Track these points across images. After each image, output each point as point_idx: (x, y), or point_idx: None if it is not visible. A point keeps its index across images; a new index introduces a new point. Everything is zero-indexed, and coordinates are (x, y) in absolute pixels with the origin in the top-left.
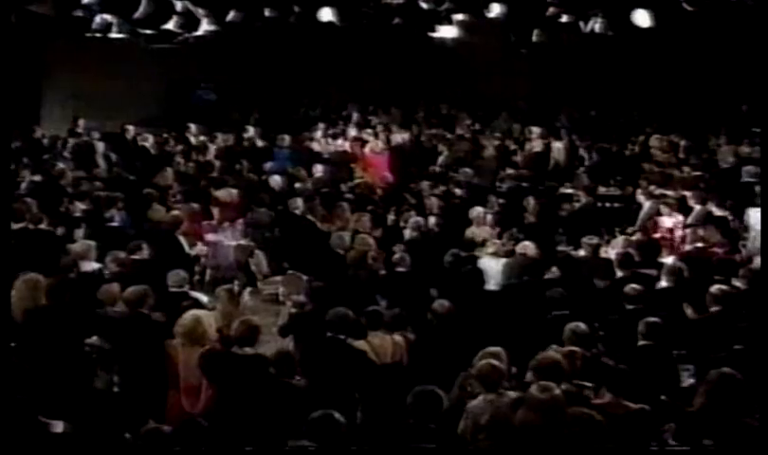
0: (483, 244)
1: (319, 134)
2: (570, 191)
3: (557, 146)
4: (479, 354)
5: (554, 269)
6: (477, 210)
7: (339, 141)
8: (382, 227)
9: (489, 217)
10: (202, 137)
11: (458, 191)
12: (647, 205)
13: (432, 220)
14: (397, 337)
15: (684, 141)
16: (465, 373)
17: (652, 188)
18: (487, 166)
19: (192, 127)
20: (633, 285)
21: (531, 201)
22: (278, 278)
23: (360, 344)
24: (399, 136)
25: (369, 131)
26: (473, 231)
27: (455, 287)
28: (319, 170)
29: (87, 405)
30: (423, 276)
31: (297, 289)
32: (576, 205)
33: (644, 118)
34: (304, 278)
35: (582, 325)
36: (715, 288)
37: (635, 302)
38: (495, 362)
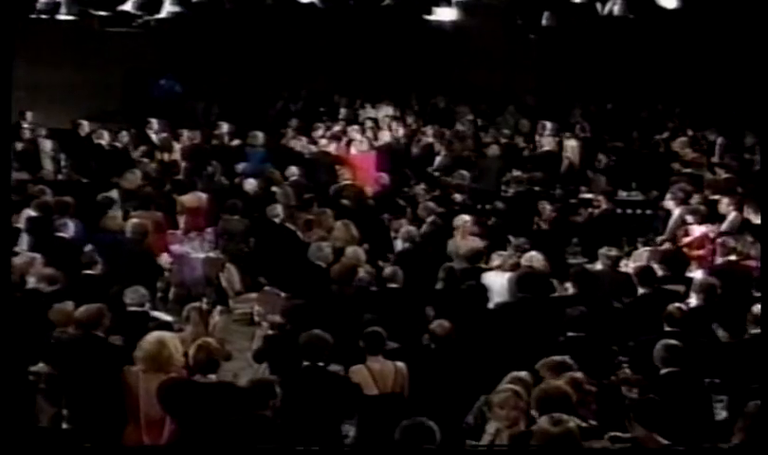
0: (474, 258)
1: (309, 132)
2: (588, 195)
3: (571, 144)
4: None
5: (567, 285)
6: (462, 219)
7: (323, 139)
8: (372, 238)
9: (476, 227)
10: (165, 134)
11: (458, 197)
12: (676, 212)
13: (428, 229)
14: (400, 364)
15: (717, 138)
16: (484, 397)
17: (681, 192)
18: (491, 167)
19: (154, 123)
20: (678, 305)
21: (546, 207)
22: (252, 295)
23: (358, 370)
24: (390, 134)
25: (355, 127)
26: (456, 244)
27: (454, 306)
28: (297, 172)
29: (30, 444)
30: (418, 293)
31: (274, 308)
32: (596, 211)
33: (669, 112)
34: (283, 295)
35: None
36: (755, 308)
37: (676, 324)
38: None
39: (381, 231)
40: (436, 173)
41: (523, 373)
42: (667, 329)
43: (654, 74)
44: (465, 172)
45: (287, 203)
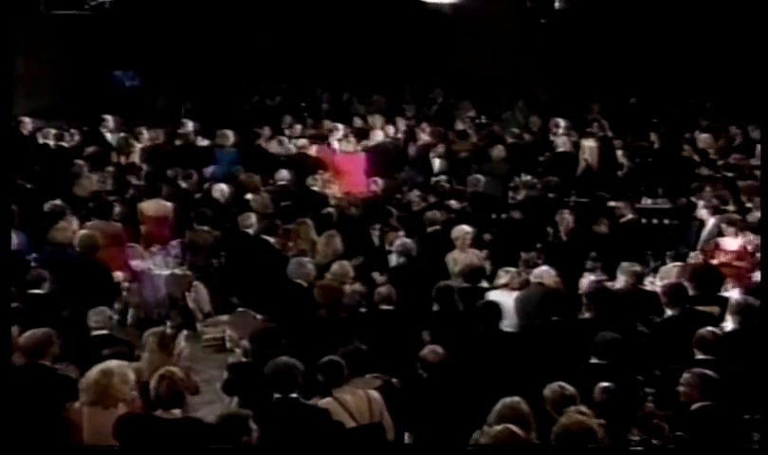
0: (473, 275)
1: (288, 131)
2: (613, 203)
3: (588, 145)
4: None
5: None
6: (461, 230)
7: (304, 139)
8: (361, 252)
9: (469, 237)
10: (123, 134)
11: (456, 204)
12: (711, 221)
13: (425, 242)
14: (373, 393)
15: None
16: (478, 432)
17: (716, 199)
18: (497, 171)
19: (110, 120)
20: (711, 329)
21: (566, 216)
22: (224, 318)
23: (326, 404)
24: (382, 132)
25: (340, 127)
26: (454, 257)
27: (455, 329)
28: (279, 176)
29: None
30: (414, 315)
31: (248, 333)
32: (621, 221)
33: (702, 107)
34: (258, 318)
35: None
36: None
37: (709, 351)
38: (516, 429)
39: (372, 244)
40: (442, 178)
41: (516, 400)
42: (699, 357)
43: (684, 63)
44: (480, 177)
45: (263, 212)
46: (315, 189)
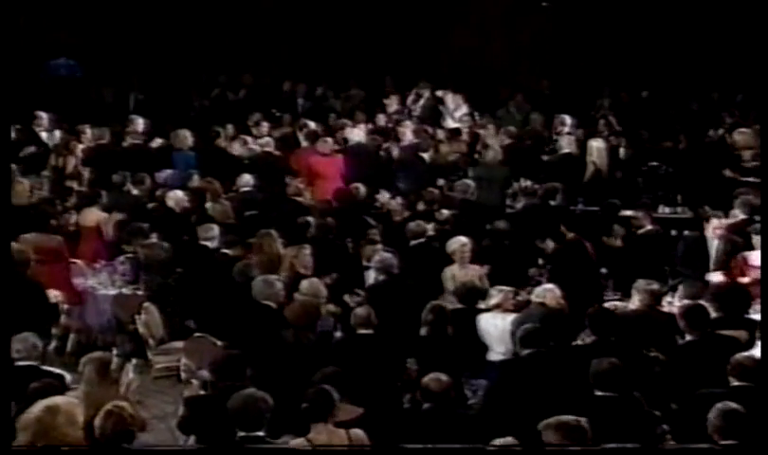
0: (469, 294)
1: (253, 129)
2: (629, 212)
3: (597, 145)
4: None
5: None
6: (458, 242)
7: (271, 138)
8: (336, 267)
9: (468, 250)
10: (60, 132)
11: (447, 212)
12: (711, 232)
13: (409, 256)
14: (357, 433)
15: None
16: None
17: (745, 207)
18: (493, 175)
19: (44, 117)
20: (747, 354)
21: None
22: (178, 344)
23: (299, 444)
24: (360, 131)
25: (312, 124)
26: (453, 273)
27: (442, 357)
28: (244, 181)
29: None
30: (397, 341)
31: (207, 361)
32: (639, 232)
33: (729, 101)
34: (219, 344)
35: None
36: None
37: (744, 377)
38: None
39: (348, 259)
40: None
41: (509, 441)
42: (736, 383)
43: (707, 51)
44: (471, 183)
45: (224, 222)
46: (284, 196)
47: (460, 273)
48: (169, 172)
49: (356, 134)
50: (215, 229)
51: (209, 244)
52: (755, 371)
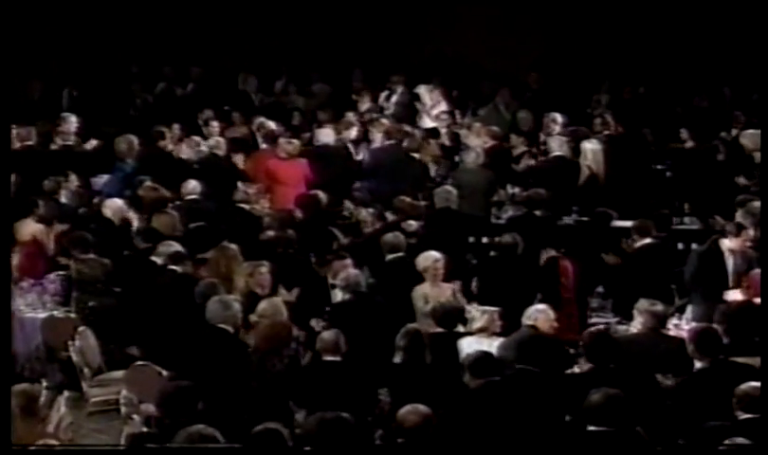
0: (449, 316)
1: (204, 129)
2: (623, 223)
3: (592, 147)
4: None
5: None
6: (430, 257)
7: (223, 139)
8: (299, 286)
9: (441, 266)
10: None
11: (413, 224)
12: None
13: (383, 273)
14: None
15: None
16: None
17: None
18: (475, 181)
19: None
20: (755, 384)
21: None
22: (118, 374)
23: None
24: (328, 131)
25: (271, 124)
26: (424, 293)
27: (418, 387)
28: (192, 188)
29: None
30: (366, 368)
31: (151, 394)
32: (635, 245)
33: (742, 99)
34: (164, 374)
35: None
36: None
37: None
38: None
39: (311, 276)
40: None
41: None
42: (744, 416)
43: (717, 41)
44: (450, 189)
45: (170, 235)
46: (238, 204)
47: (432, 292)
48: (106, 177)
49: (323, 134)
50: (174, 246)
51: (157, 259)
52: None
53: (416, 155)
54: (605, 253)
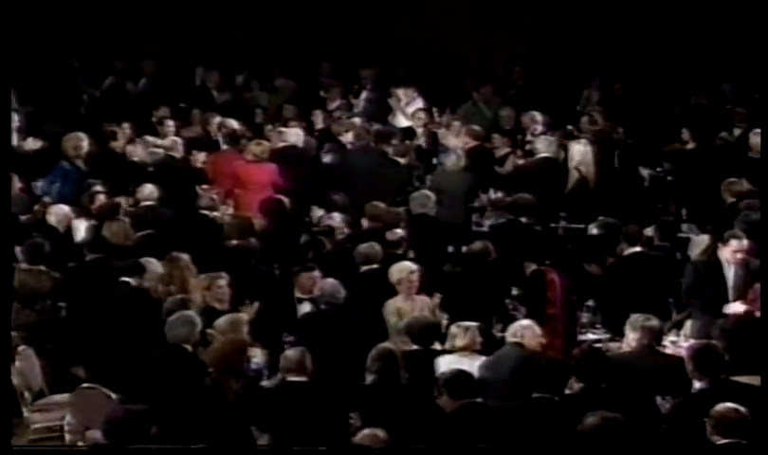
0: (425, 332)
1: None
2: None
3: (581, 148)
4: None
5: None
6: (403, 269)
7: (172, 139)
8: (262, 300)
9: (416, 278)
10: None
11: (400, 232)
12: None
13: (357, 286)
14: None
15: None
16: None
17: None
18: (455, 185)
19: None
20: (732, 406)
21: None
22: (63, 397)
23: None
24: (294, 131)
25: (233, 123)
26: (397, 307)
27: (392, 410)
28: (148, 193)
29: None
30: (337, 390)
31: (97, 419)
32: (624, 253)
33: (745, 97)
34: (114, 397)
35: None
36: None
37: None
38: None
39: (276, 289)
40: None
41: None
42: (721, 441)
43: (715, 33)
44: (429, 194)
45: (122, 244)
46: (196, 210)
47: (406, 306)
48: (50, 181)
49: (290, 134)
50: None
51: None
52: (742, 424)
53: (400, 159)
54: (587, 263)
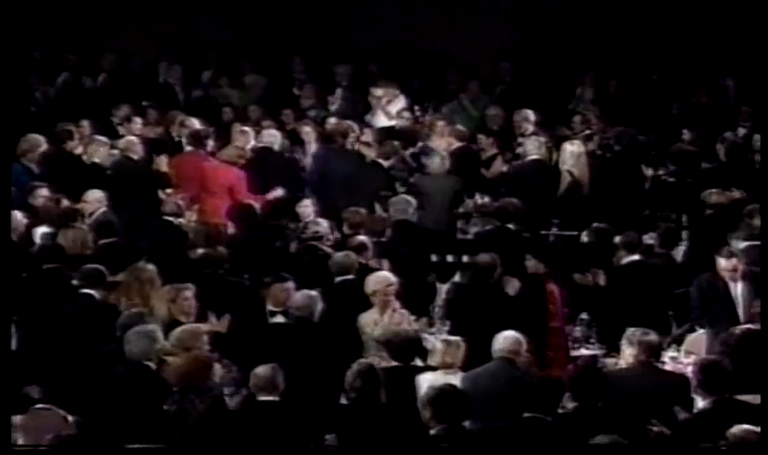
0: (405, 347)
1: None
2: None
3: (573, 149)
4: None
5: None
6: (380, 279)
7: (132, 140)
8: (228, 312)
9: (393, 291)
10: None
11: (362, 237)
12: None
13: (332, 298)
14: None
15: None
16: None
17: None
18: (439, 190)
19: None
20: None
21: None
22: (13, 419)
23: None
24: (270, 132)
25: (195, 122)
26: (373, 319)
27: (371, 431)
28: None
29: None
30: (311, 410)
31: (53, 441)
32: (621, 262)
33: (749, 95)
34: (70, 420)
35: None
36: None
37: None
38: None
39: (246, 301)
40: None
41: None
42: None
43: (717, 26)
44: (409, 199)
45: (79, 253)
46: (166, 217)
47: (382, 320)
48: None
49: (271, 135)
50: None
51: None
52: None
53: (383, 161)
54: (582, 276)
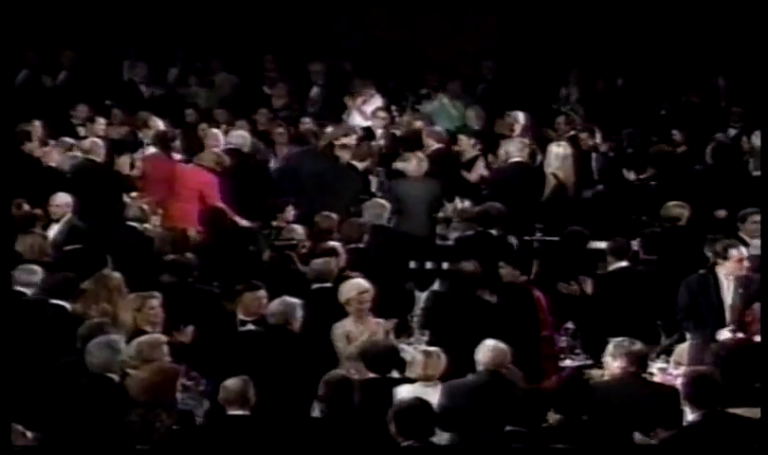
0: (382, 358)
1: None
2: (598, 244)
3: (559, 151)
4: None
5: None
6: (354, 287)
7: (93, 141)
8: (194, 322)
9: (368, 298)
10: None
11: (333, 243)
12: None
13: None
14: None
15: None
16: None
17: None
18: (417, 193)
19: None
20: None
21: None
22: None
23: None
24: (239, 133)
25: (159, 122)
26: (347, 331)
27: (345, 446)
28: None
29: None
30: (284, 424)
31: None
32: (609, 269)
33: (739, 95)
34: (29, 436)
35: None
36: None
37: None
38: None
39: (216, 310)
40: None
41: None
42: None
43: (708, 22)
44: (384, 203)
45: (39, 260)
46: (129, 222)
47: (356, 330)
48: None
49: (240, 136)
50: (39, 272)
51: (26, 290)
52: None
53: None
54: (567, 284)
